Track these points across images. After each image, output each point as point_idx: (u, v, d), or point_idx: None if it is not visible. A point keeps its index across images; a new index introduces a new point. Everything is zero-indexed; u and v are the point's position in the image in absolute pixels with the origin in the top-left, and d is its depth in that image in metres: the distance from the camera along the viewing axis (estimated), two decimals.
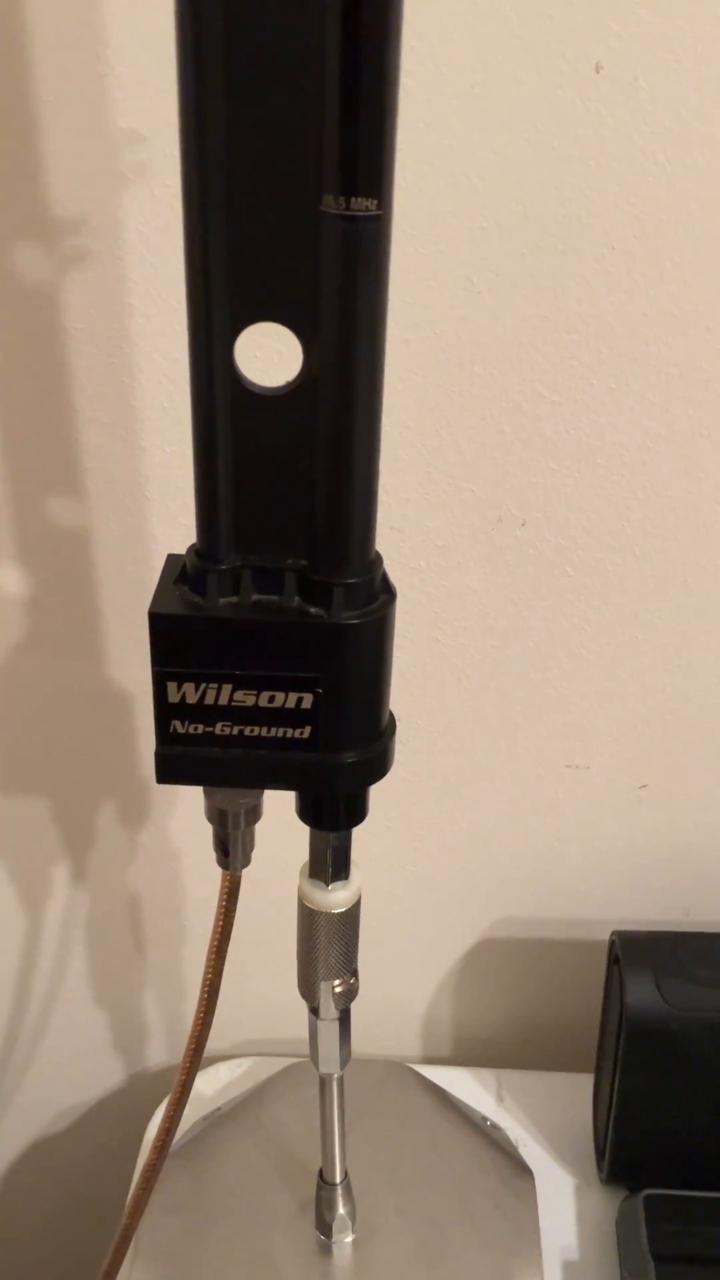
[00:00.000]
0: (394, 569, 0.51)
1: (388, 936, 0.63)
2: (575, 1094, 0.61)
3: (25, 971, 0.65)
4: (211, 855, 0.61)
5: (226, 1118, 0.58)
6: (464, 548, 0.52)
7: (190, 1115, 0.60)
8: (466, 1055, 0.67)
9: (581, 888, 0.61)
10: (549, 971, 0.64)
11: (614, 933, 0.53)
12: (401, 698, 0.55)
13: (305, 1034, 0.47)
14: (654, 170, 0.44)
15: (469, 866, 0.61)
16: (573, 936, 0.62)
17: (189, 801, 0.59)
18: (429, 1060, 0.65)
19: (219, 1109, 0.59)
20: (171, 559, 0.36)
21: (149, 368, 0.48)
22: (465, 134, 0.43)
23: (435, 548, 0.52)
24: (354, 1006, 0.47)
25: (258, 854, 0.57)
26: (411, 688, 0.55)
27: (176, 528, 0.51)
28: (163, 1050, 0.68)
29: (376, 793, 0.58)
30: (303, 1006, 0.46)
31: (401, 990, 0.65)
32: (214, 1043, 0.67)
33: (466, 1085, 0.62)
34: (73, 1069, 0.69)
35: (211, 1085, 0.63)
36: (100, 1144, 0.72)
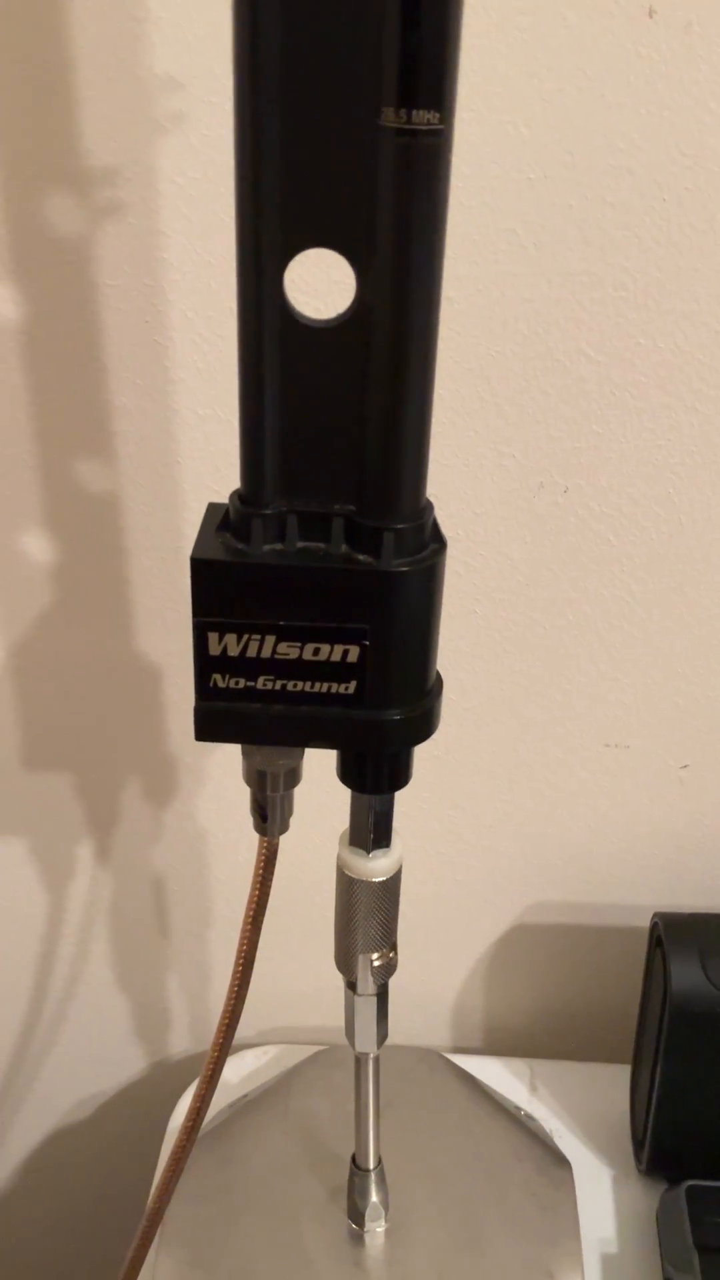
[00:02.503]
0: None
1: (417, 921, 0.61)
2: (611, 1084, 0.59)
3: (46, 955, 0.64)
4: (239, 836, 0.60)
5: (254, 1104, 0.56)
6: (503, 515, 0.50)
7: (217, 1102, 0.59)
8: (498, 1045, 0.65)
9: (619, 872, 0.59)
10: (585, 959, 0.62)
11: (657, 914, 0.52)
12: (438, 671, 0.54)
13: (334, 1022, 0.45)
14: (708, 119, 0.43)
15: (502, 849, 0.59)
16: (610, 923, 0.61)
17: (217, 779, 0.58)
18: (459, 1050, 0.64)
19: (246, 1096, 0.57)
20: (213, 507, 0.35)
21: (183, 327, 0.47)
22: (511, 80, 0.42)
23: (473, 515, 0.50)
24: None
25: (286, 843, 0.56)
26: (445, 662, 0.53)
27: (209, 494, 0.50)
28: (186, 1038, 0.67)
29: None
30: (331, 994, 0.45)
31: (431, 977, 0.63)
32: (242, 1031, 0.66)
33: (498, 1075, 0.60)
34: (93, 1057, 0.68)
35: (238, 1073, 0.61)
36: (121, 1134, 0.70)
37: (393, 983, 0.62)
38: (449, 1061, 0.59)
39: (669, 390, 0.47)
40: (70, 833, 0.60)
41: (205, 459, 0.49)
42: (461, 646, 0.53)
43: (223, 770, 0.58)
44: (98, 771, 0.58)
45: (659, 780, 0.56)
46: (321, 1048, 0.60)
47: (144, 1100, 0.69)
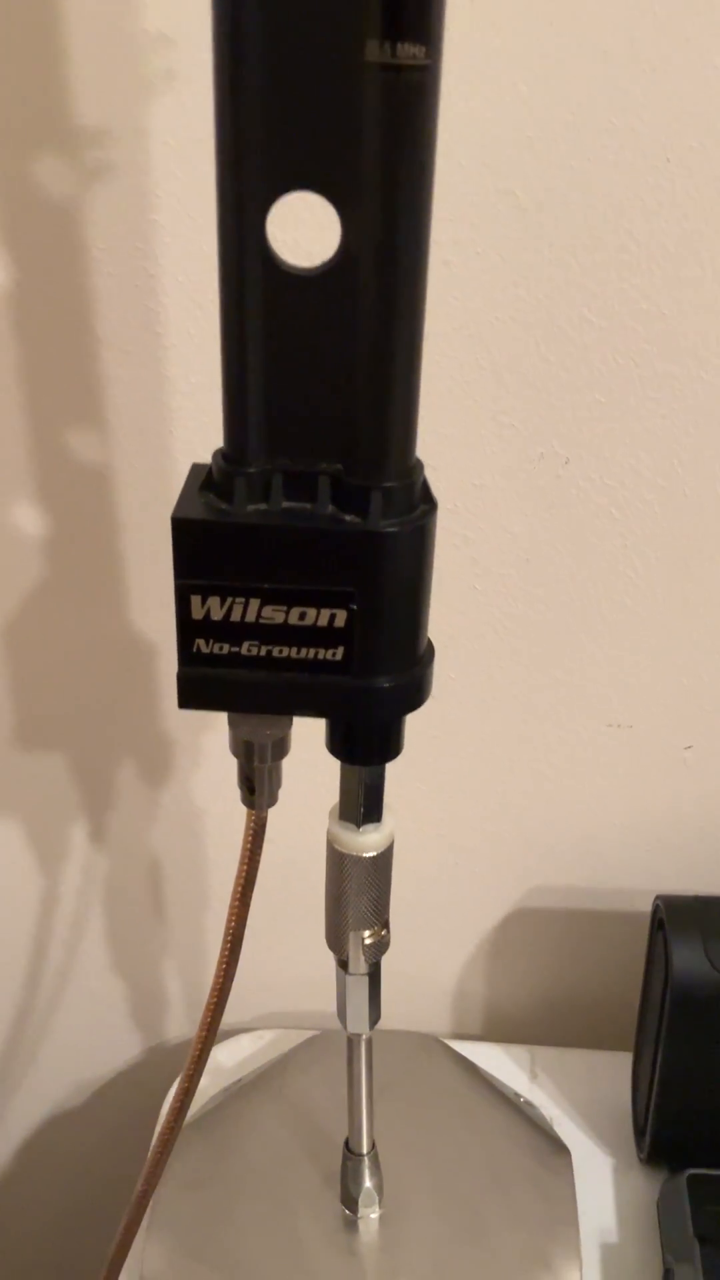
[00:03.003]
0: None
1: (416, 906, 0.60)
2: (612, 1072, 0.58)
3: (41, 937, 0.63)
4: (235, 816, 0.59)
5: (248, 1089, 0.55)
6: (503, 488, 0.49)
7: (210, 1087, 0.58)
8: (498, 1031, 0.64)
9: (622, 855, 0.58)
10: (586, 944, 0.61)
11: (659, 897, 0.51)
12: (435, 650, 0.52)
13: (331, 1008, 0.44)
14: (712, 76, 0.41)
15: (502, 831, 0.58)
16: (612, 907, 0.60)
17: (213, 759, 0.57)
18: (459, 1036, 0.63)
19: (240, 1080, 0.56)
20: (196, 468, 0.34)
21: (175, 291, 0.46)
22: (509, 35, 0.41)
23: (472, 487, 0.49)
24: (381, 979, 0.44)
25: (280, 828, 0.55)
26: (444, 639, 0.52)
27: None
28: (183, 1022, 0.66)
29: (405, 753, 0.56)
30: (328, 979, 0.44)
31: (431, 962, 0.62)
32: (236, 1015, 0.65)
33: (498, 1061, 0.59)
34: (89, 1041, 0.67)
35: (233, 1057, 0.60)
36: (118, 1120, 0.69)
37: (391, 967, 0.61)
38: (447, 1047, 0.57)
39: (673, 358, 0.46)
40: (64, 813, 0.59)
41: (199, 429, 0.48)
42: (460, 624, 0.52)
43: (218, 749, 0.56)
44: (91, 751, 0.57)
45: (663, 761, 0.55)
46: (318, 1031, 0.59)
47: (140, 1085, 0.68)
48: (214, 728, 0.56)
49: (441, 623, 0.52)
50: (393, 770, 0.56)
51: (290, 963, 0.62)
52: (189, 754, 0.57)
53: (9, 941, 0.63)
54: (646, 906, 0.53)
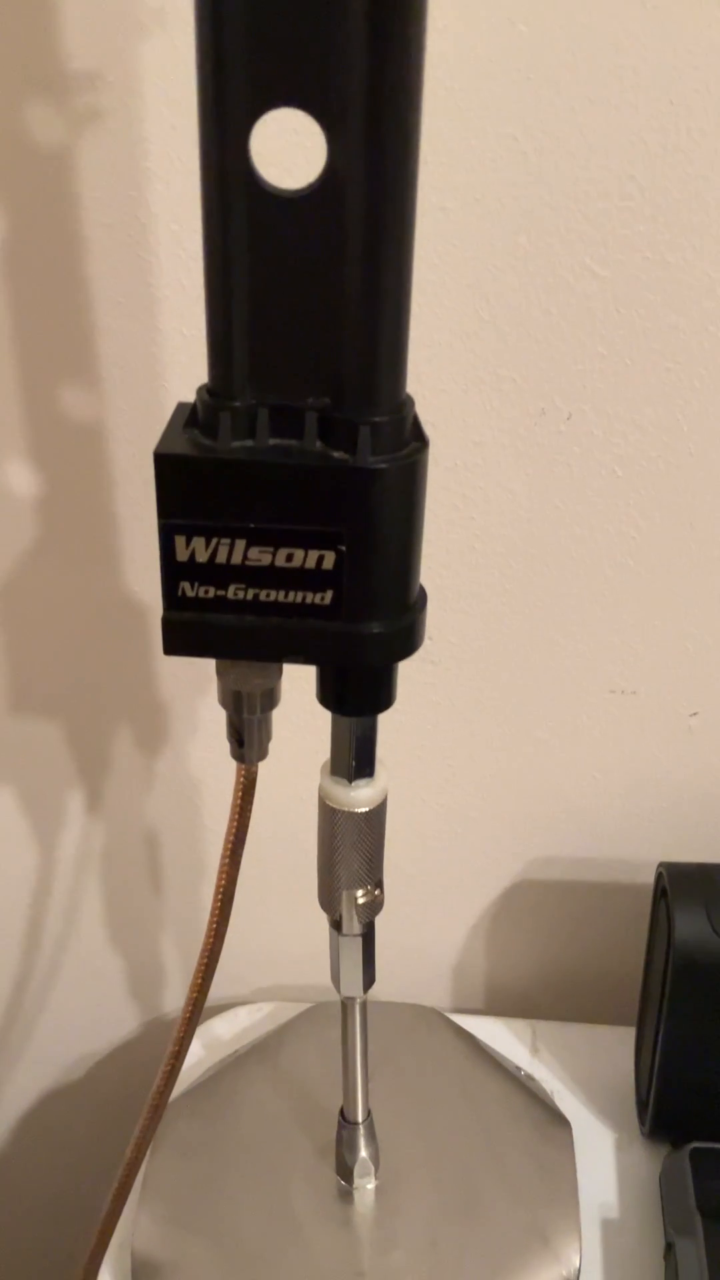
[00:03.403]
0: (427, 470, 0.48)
1: (416, 877, 0.60)
2: (615, 1046, 0.57)
3: (37, 909, 0.62)
4: (232, 787, 0.58)
5: (244, 1059, 0.54)
6: (504, 444, 0.48)
7: (208, 1059, 0.57)
8: (499, 1005, 0.63)
9: (625, 825, 0.57)
10: (589, 917, 0.60)
11: (662, 864, 0.50)
12: (432, 614, 0.52)
13: (329, 981, 0.43)
14: (718, 16, 0.40)
15: (503, 802, 0.57)
16: (615, 879, 0.59)
17: (209, 726, 0.56)
18: (460, 1010, 0.62)
19: (236, 1052, 0.56)
20: (181, 405, 0.33)
21: (168, 240, 0.45)
22: None
23: (472, 444, 0.48)
24: (380, 951, 0.43)
25: (278, 800, 0.54)
26: (443, 602, 0.52)
27: None
28: (180, 996, 0.65)
29: (403, 721, 0.55)
30: (326, 954, 0.43)
31: (431, 935, 0.61)
32: (235, 989, 0.64)
33: (499, 1035, 0.58)
34: (86, 1016, 0.66)
35: (230, 1029, 0.60)
36: (116, 1094, 0.69)
37: (391, 940, 0.60)
38: (447, 1019, 0.57)
39: (678, 309, 0.45)
40: (59, 782, 0.58)
41: (192, 383, 0.47)
42: (460, 586, 0.51)
43: (214, 717, 0.56)
44: (86, 718, 0.56)
45: (667, 728, 0.54)
46: (316, 1003, 0.58)
47: (139, 1060, 0.67)
48: (210, 693, 0.55)
49: (440, 585, 0.51)
50: (390, 738, 0.55)
51: (289, 936, 0.62)
52: (185, 721, 0.56)
53: (6, 913, 0.62)
54: (650, 878, 0.52)
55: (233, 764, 0.38)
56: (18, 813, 0.59)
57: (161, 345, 0.47)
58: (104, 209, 0.44)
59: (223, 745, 0.57)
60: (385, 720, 0.54)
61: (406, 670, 0.53)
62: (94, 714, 0.56)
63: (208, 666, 0.49)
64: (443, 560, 0.51)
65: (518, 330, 0.45)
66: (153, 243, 0.45)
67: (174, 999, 0.65)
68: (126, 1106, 0.67)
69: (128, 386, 0.48)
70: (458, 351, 0.46)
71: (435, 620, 0.52)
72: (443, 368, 0.46)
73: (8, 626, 0.54)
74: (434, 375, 0.46)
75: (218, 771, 0.58)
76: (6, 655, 0.54)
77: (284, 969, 0.63)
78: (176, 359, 0.47)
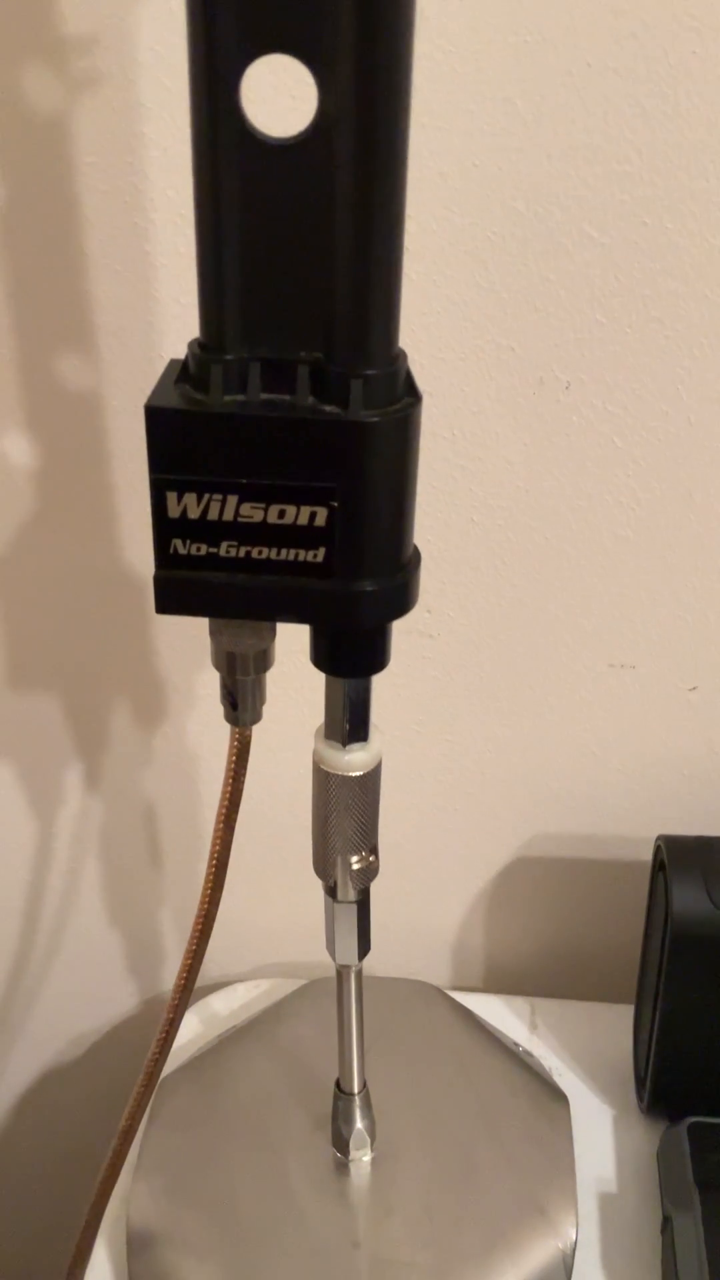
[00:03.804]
0: (424, 438, 0.47)
1: (414, 854, 0.59)
2: (614, 1024, 0.57)
3: (36, 886, 0.62)
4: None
5: (241, 1033, 0.54)
6: (502, 414, 0.48)
7: (205, 1035, 0.57)
8: (498, 983, 0.63)
9: (625, 801, 0.57)
10: (589, 894, 0.59)
11: (660, 837, 0.49)
12: (430, 585, 0.51)
13: (327, 959, 0.43)
14: None
15: (502, 777, 0.57)
16: (615, 856, 0.58)
17: (206, 701, 0.56)
18: (458, 988, 0.61)
19: (234, 1027, 0.56)
20: (173, 362, 0.33)
21: (164, 207, 0.45)
22: None
23: (471, 414, 0.48)
24: (376, 930, 0.43)
25: (282, 772, 0.54)
26: (441, 575, 0.51)
27: None
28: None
29: (401, 696, 0.55)
30: (323, 931, 0.42)
31: (431, 912, 0.61)
32: (233, 967, 0.64)
33: (498, 1013, 0.58)
34: (86, 994, 0.66)
35: (228, 1005, 0.60)
36: (114, 1074, 0.68)
37: (390, 918, 0.60)
38: (445, 995, 0.56)
39: (677, 275, 0.44)
40: (57, 758, 0.58)
41: None
42: (458, 558, 0.51)
43: (212, 692, 0.56)
44: (83, 693, 0.56)
45: (666, 702, 0.54)
46: (314, 978, 0.58)
47: (137, 1037, 0.67)
48: (209, 667, 0.54)
49: (439, 557, 0.51)
50: (388, 713, 0.55)
51: (287, 914, 0.62)
52: (183, 696, 0.56)
53: (2, 891, 0.62)
54: (649, 855, 0.51)
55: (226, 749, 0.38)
56: (15, 788, 0.59)
57: (158, 313, 0.47)
58: (100, 175, 0.44)
59: (219, 719, 0.57)
60: (383, 695, 0.54)
61: (404, 644, 0.53)
62: (91, 689, 0.56)
63: (205, 641, 0.49)
64: (440, 532, 0.50)
65: (516, 298, 0.45)
66: (149, 209, 0.45)
67: (172, 977, 0.65)
68: (125, 1084, 0.67)
69: (124, 355, 0.47)
70: (455, 319, 0.46)
71: (434, 593, 0.52)
72: (440, 336, 0.46)
73: (4, 600, 0.54)
74: (431, 344, 0.46)
75: (216, 747, 0.58)
76: (3, 629, 0.54)
77: (282, 946, 0.63)
78: (173, 327, 0.47)
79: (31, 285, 0.46)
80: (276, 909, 0.62)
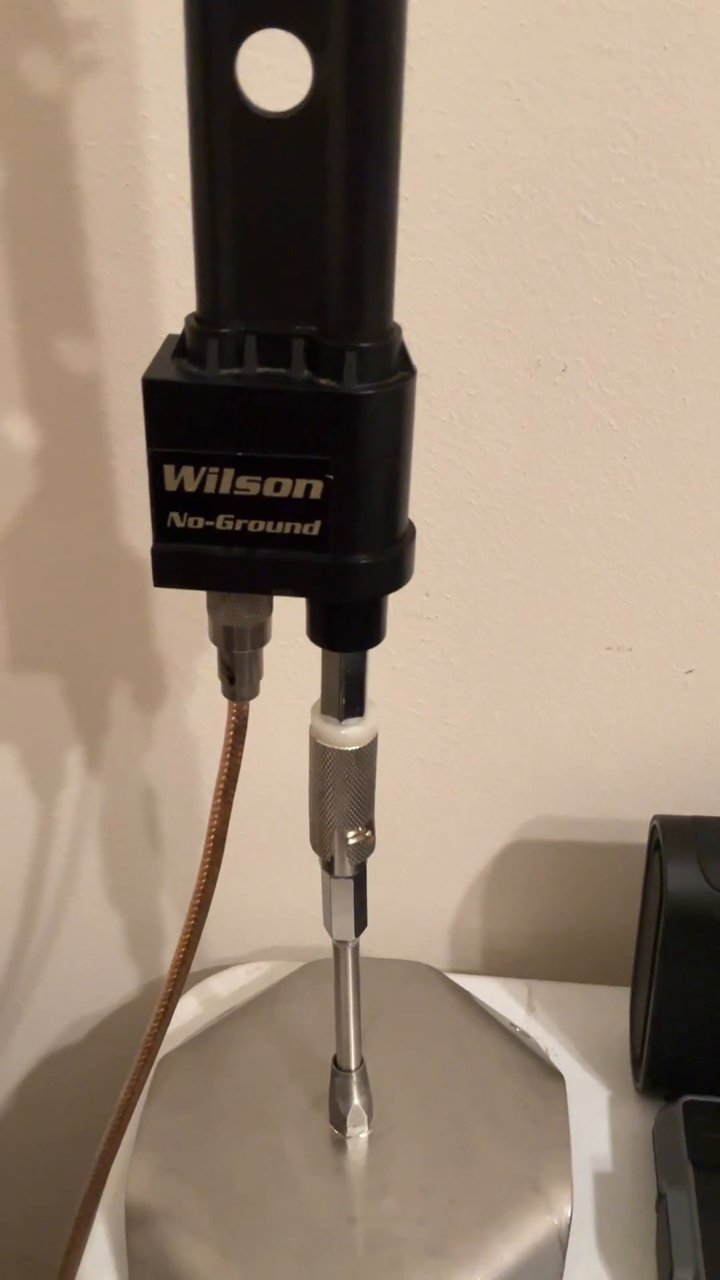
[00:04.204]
0: (421, 421, 0.48)
1: (413, 837, 0.60)
2: (611, 1006, 0.57)
3: (36, 869, 0.63)
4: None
5: (240, 1013, 0.55)
6: (499, 397, 0.48)
7: (205, 1016, 0.58)
8: (496, 966, 0.63)
9: (621, 784, 0.57)
10: (586, 876, 0.60)
11: (656, 817, 0.50)
12: (427, 568, 0.52)
13: (326, 941, 0.43)
14: None
15: (499, 759, 0.57)
16: (611, 839, 0.59)
17: (206, 683, 0.56)
18: (456, 971, 0.62)
19: (233, 1008, 0.56)
20: (170, 337, 0.33)
21: (164, 189, 0.45)
22: None
23: (467, 397, 0.48)
24: (375, 913, 0.44)
25: (279, 755, 0.54)
26: (439, 558, 0.52)
27: None
28: None
29: (398, 679, 0.55)
30: (322, 914, 0.43)
31: (428, 895, 0.61)
32: (232, 950, 0.65)
33: (495, 994, 0.58)
34: (86, 977, 0.67)
35: (228, 987, 0.60)
36: (114, 1056, 0.69)
37: (388, 900, 0.60)
38: (442, 976, 0.57)
39: (673, 258, 0.45)
40: (57, 740, 0.59)
41: None
42: (456, 541, 0.51)
43: (212, 675, 0.56)
44: (84, 675, 0.57)
45: (662, 685, 0.54)
46: (312, 960, 0.58)
47: (137, 1022, 0.67)
48: (209, 649, 0.55)
49: (436, 540, 0.51)
50: (386, 696, 0.55)
51: (286, 897, 0.62)
52: (182, 678, 0.56)
53: (3, 874, 0.63)
54: (646, 838, 0.52)
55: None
56: (15, 771, 0.59)
57: (159, 296, 0.47)
58: (100, 158, 0.44)
59: (219, 701, 0.57)
60: (381, 677, 0.55)
61: (402, 627, 0.54)
62: (91, 672, 0.56)
63: (204, 623, 0.49)
64: (438, 515, 0.51)
65: (513, 280, 0.46)
66: (149, 192, 0.45)
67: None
68: (125, 1066, 0.67)
69: (125, 338, 0.48)
70: (452, 302, 0.46)
71: (431, 576, 0.52)
72: (437, 319, 0.46)
73: (4, 581, 0.54)
74: (428, 326, 0.47)
75: (215, 730, 0.58)
76: (3, 611, 0.55)
77: (281, 931, 0.64)
78: (173, 309, 0.47)
79: (31, 268, 0.47)
80: (276, 893, 0.62)
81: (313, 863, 0.42)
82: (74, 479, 0.51)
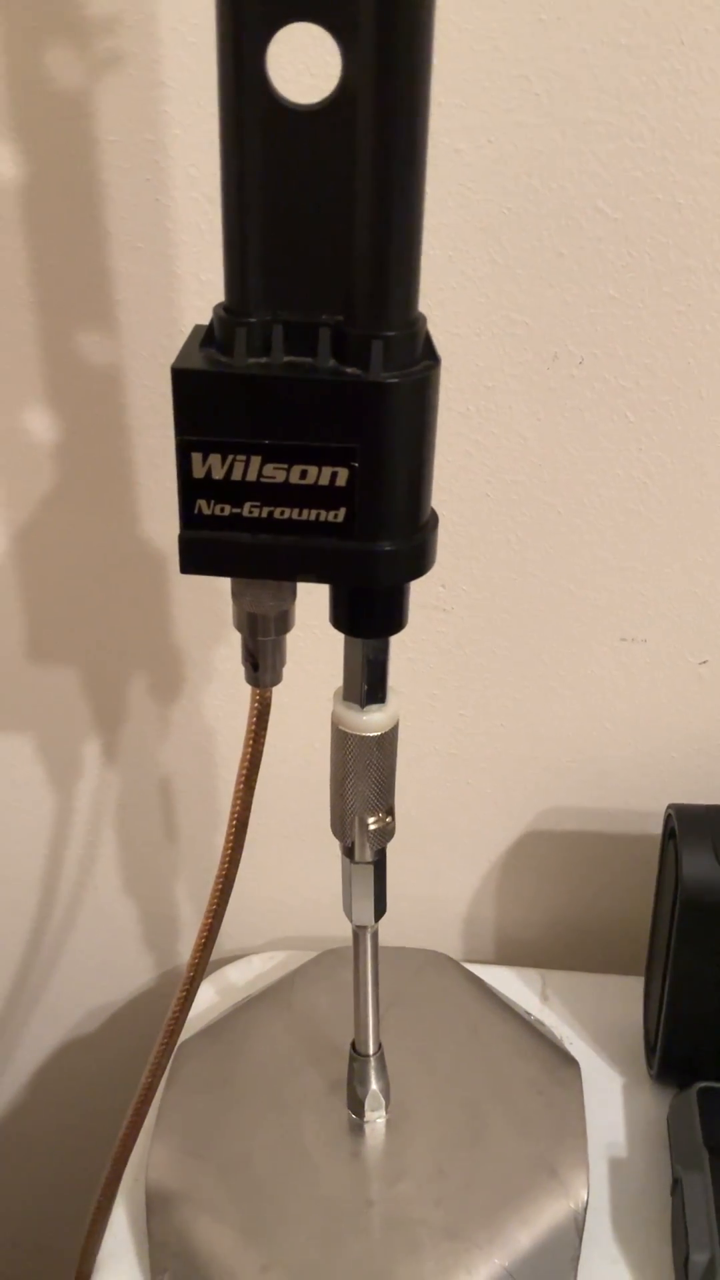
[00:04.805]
0: (439, 413, 0.49)
1: (428, 826, 0.60)
2: (626, 995, 0.57)
3: (54, 859, 0.63)
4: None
5: (258, 999, 0.55)
6: (516, 390, 0.48)
7: (222, 1004, 0.58)
8: (510, 955, 0.64)
9: (635, 775, 0.57)
10: (599, 867, 0.60)
11: (671, 806, 0.50)
12: (444, 560, 0.52)
13: (342, 931, 0.44)
14: None
15: (514, 750, 0.57)
16: (626, 830, 0.59)
17: (223, 675, 0.57)
18: (471, 960, 0.62)
19: (250, 995, 0.56)
20: (198, 327, 0.34)
21: (185, 185, 0.45)
22: None
23: (484, 389, 0.49)
24: (390, 902, 0.44)
25: (299, 746, 0.54)
26: (455, 549, 0.52)
27: None
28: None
29: (415, 670, 0.55)
30: (339, 904, 0.43)
31: (443, 885, 0.62)
32: (249, 940, 0.65)
33: (509, 983, 0.59)
34: (103, 966, 0.67)
35: (244, 976, 0.61)
36: (131, 1046, 0.69)
37: (403, 891, 0.60)
38: (457, 964, 0.57)
39: (688, 251, 0.45)
40: (76, 731, 0.59)
41: None
42: (472, 533, 0.52)
43: (229, 667, 0.57)
44: (102, 666, 0.57)
45: (677, 677, 0.54)
46: (330, 948, 0.59)
47: (154, 1011, 0.68)
48: (226, 640, 0.56)
49: (453, 532, 0.52)
50: (402, 687, 0.55)
51: (303, 888, 0.63)
52: (200, 669, 0.57)
53: (23, 861, 0.63)
54: (659, 828, 0.52)
55: (247, 710, 0.39)
56: (34, 762, 0.60)
57: (179, 290, 0.47)
58: (122, 153, 0.45)
59: (235, 692, 0.58)
60: (398, 668, 0.55)
61: (419, 618, 0.54)
62: (110, 663, 0.57)
63: (222, 615, 0.49)
64: (455, 507, 0.51)
65: (530, 273, 0.46)
66: (170, 187, 0.45)
67: (188, 950, 0.65)
68: (142, 1054, 0.68)
69: (145, 332, 0.48)
70: (470, 295, 0.47)
71: (448, 568, 0.53)
72: (455, 312, 0.47)
73: (25, 574, 0.54)
74: (446, 319, 0.47)
75: (233, 721, 0.58)
76: (23, 603, 0.55)
77: (297, 920, 0.64)
78: (193, 304, 0.48)
79: (54, 262, 0.47)
80: (291, 884, 0.63)
81: (327, 854, 0.42)
82: (93, 471, 0.52)
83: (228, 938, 0.64)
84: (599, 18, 0.42)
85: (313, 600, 0.37)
